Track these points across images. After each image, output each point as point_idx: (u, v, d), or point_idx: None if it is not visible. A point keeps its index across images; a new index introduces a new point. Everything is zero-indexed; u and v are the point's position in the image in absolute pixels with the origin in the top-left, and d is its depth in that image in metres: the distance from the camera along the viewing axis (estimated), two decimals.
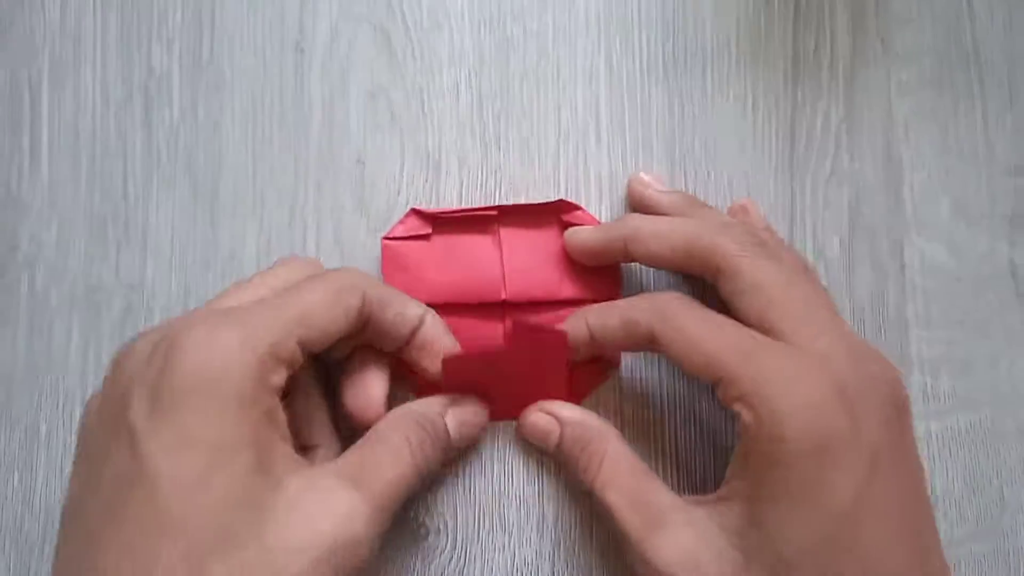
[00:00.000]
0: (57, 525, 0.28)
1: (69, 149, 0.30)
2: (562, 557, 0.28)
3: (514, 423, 0.29)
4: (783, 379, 0.22)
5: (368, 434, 0.24)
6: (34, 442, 0.29)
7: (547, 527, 0.28)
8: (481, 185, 0.30)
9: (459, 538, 0.28)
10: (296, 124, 0.30)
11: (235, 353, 0.21)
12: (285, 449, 0.22)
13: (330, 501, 0.21)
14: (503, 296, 0.29)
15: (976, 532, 0.28)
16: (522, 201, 0.30)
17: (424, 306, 0.26)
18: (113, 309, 0.30)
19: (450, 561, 0.28)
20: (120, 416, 0.21)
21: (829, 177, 0.30)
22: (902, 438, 0.23)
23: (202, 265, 0.30)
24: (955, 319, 0.30)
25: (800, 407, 0.21)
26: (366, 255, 0.30)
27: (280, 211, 0.30)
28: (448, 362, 0.25)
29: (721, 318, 0.24)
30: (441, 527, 0.28)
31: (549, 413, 0.27)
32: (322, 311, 0.23)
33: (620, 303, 0.26)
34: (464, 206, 0.30)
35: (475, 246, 0.29)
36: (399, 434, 0.24)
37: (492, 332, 0.29)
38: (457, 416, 0.26)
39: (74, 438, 0.29)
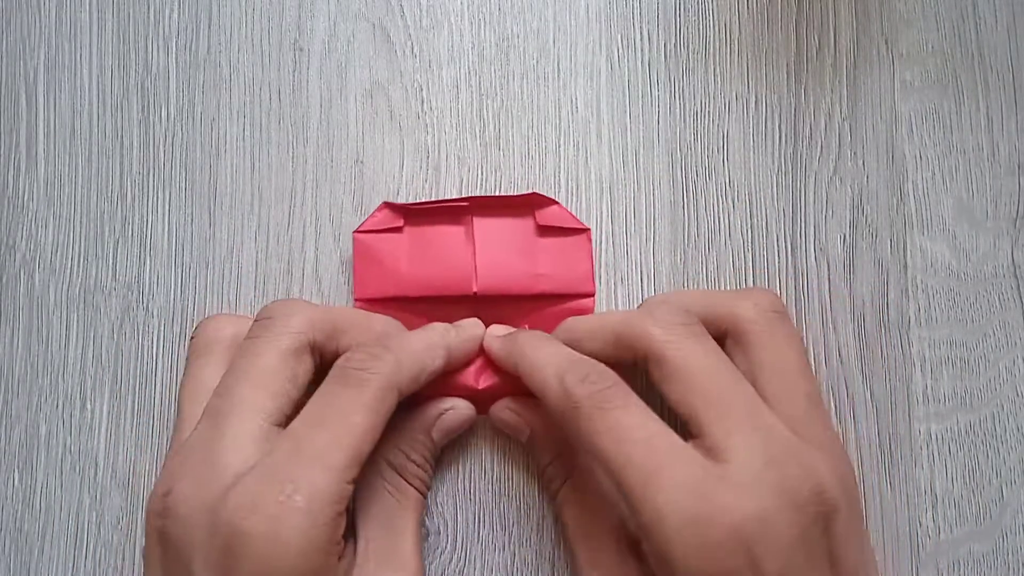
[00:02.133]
0: (56, 524, 0.29)
1: (66, 148, 0.30)
2: (562, 557, 0.28)
3: None
4: (679, 520, 0.21)
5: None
6: (33, 442, 0.29)
7: (547, 527, 0.28)
8: (481, 184, 0.30)
9: (459, 538, 0.28)
10: (294, 122, 0.30)
11: (303, 540, 0.21)
12: None
13: None
14: (474, 289, 0.28)
15: (976, 532, 0.28)
16: None
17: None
18: (111, 309, 0.30)
19: (450, 561, 0.28)
20: (182, 568, 0.21)
21: (832, 176, 0.30)
22: (822, 555, 0.22)
23: (200, 264, 0.30)
24: (957, 319, 0.29)
25: (693, 552, 0.21)
26: None
27: (278, 210, 0.30)
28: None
29: (634, 415, 0.22)
30: (441, 527, 0.28)
31: (518, 414, 0.27)
32: (370, 436, 0.23)
33: (541, 353, 0.25)
34: (437, 198, 0.29)
35: (448, 238, 0.29)
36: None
37: (465, 316, 0.29)
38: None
39: (73, 438, 0.29)
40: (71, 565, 0.28)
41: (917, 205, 0.30)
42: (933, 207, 0.30)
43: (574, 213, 0.29)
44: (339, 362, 0.24)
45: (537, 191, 0.29)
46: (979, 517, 0.29)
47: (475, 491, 0.29)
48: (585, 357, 0.24)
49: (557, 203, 0.29)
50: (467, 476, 0.29)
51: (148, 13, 0.31)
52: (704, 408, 0.23)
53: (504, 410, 0.28)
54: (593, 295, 0.29)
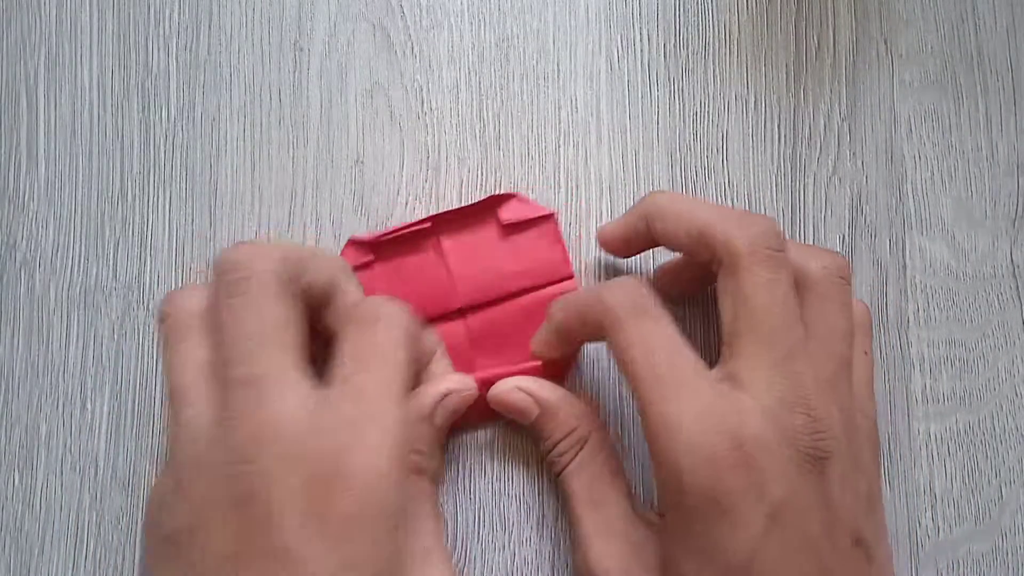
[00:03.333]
0: (56, 524, 0.28)
1: (66, 148, 0.30)
2: (562, 557, 0.28)
3: (506, 425, 0.29)
4: (687, 432, 0.22)
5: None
6: (34, 442, 0.29)
7: (547, 527, 0.28)
8: (481, 184, 0.30)
9: (459, 538, 0.28)
10: (295, 123, 0.30)
11: (393, 475, 0.21)
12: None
13: None
14: (458, 304, 0.29)
15: (975, 532, 0.28)
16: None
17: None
18: (112, 308, 0.30)
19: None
20: (261, 537, 0.20)
21: (831, 176, 0.30)
22: (818, 487, 0.22)
23: (201, 264, 0.30)
24: (956, 319, 0.30)
25: (698, 463, 0.22)
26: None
27: (279, 210, 0.30)
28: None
29: (662, 329, 0.23)
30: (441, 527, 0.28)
31: (527, 392, 0.27)
32: (412, 371, 0.24)
33: (589, 299, 0.26)
34: (401, 223, 0.29)
35: (420, 262, 0.29)
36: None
37: (455, 331, 0.29)
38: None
39: (73, 438, 0.29)
40: (71, 565, 0.28)
41: (916, 205, 0.30)
42: (932, 207, 0.30)
43: (558, 206, 0.30)
44: (352, 311, 0.24)
45: (499, 192, 0.29)
46: (978, 517, 0.29)
47: (475, 490, 0.29)
48: (616, 280, 0.26)
49: (515, 195, 0.29)
50: (467, 475, 0.29)
51: (148, 13, 0.31)
52: (747, 338, 0.23)
53: (512, 391, 0.27)
54: (572, 277, 0.29)
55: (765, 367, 0.23)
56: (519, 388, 0.27)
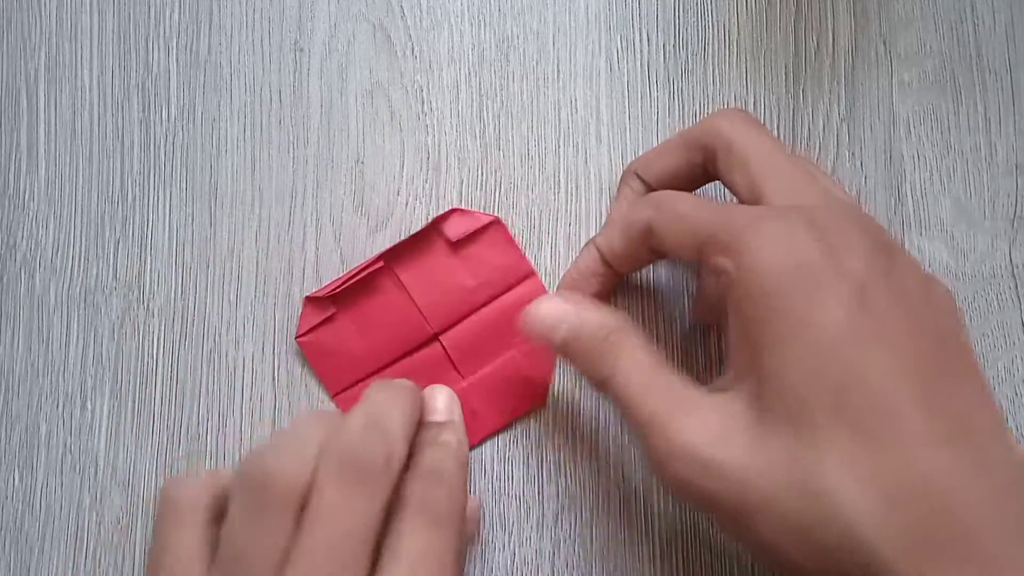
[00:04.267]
0: (56, 524, 0.29)
1: (66, 148, 0.30)
2: (562, 557, 0.28)
3: (509, 427, 0.29)
4: (757, 223, 0.22)
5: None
6: (34, 441, 0.29)
7: (547, 527, 0.28)
8: (481, 185, 0.30)
9: None
10: (295, 123, 0.30)
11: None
12: None
13: None
14: (430, 332, 0.29)
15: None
16: (522, 201, 0.30)
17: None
18: (112, 308, 0.30)
19: None
20: None
21: (830, 176, 0.30)
22: (893, 272, 0.21)
23: (201, 264, 0.30)
24: None
25: (773, 244, 0.21)
26: (365, 255, 0.29)
27: (279, 210, 0.30)
28: None
29: (709, 201, 0.24)
30: None
31: (568, 301, 0.25)
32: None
33: (617, 217, 0.27)
34: (350, 269, 0.29)
35: (383, 302, 0.29)
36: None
37: (434, 354, 0.29)
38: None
39: (73, 438, 0.29)
40: (71, 565, 0.28)
41: (915, 205, 0.30)
42: (931, 207, 0.30)
43: (533, 213, 0.30)
44: (413, 495, 0.22)
45: (456, 207, 0.29)
46: None
47: (475, 490, 0.29)
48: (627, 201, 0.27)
49: (455, 210, 0.29)
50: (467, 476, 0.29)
51: (149, 13, 0.31)
52: (768, 180, 0.24)
53: (546, 300, 0.25)
54: (533, 273, 0.29)
55: (802, 187, 0.24)
56: (558, 296, 0.26)
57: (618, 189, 0.29)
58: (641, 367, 0.24)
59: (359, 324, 0.29)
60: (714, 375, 0.29)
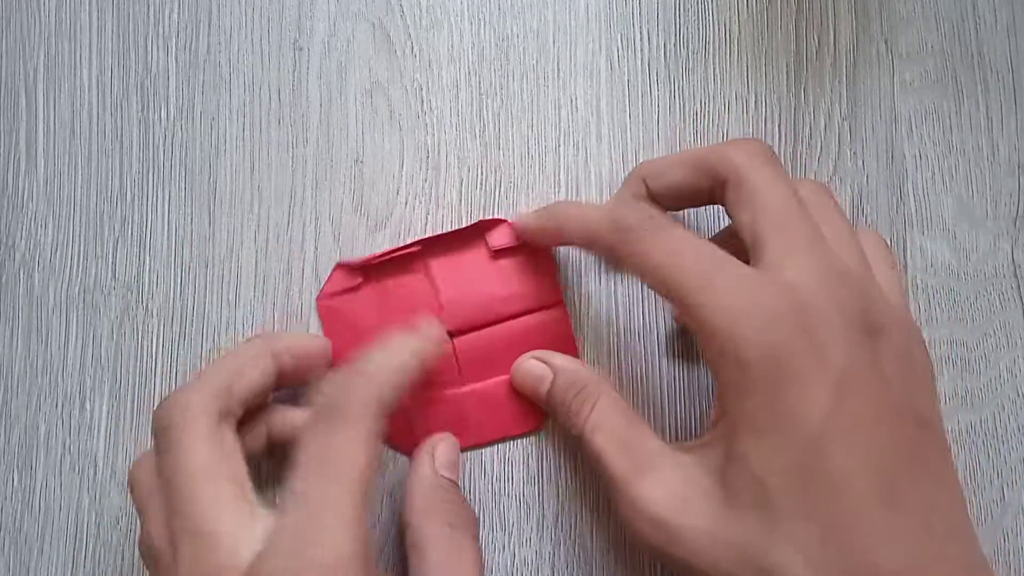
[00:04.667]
0: (56, 524, 0.28)
1: (66, 147, 0.30)
2: (562, 557, 0.28)
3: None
4: (740, 306, 0.22)
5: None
6: (33, 442, 0.29)
7: (547, 527, 0.28)
8: (481, 184, 0.30)
9: None
10: (294, 122, 0.30)
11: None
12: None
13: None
14: (446, 328, 0.29)
15: (978, 533, 0.28)
16: (522, 200, 0.30)
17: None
18: (111, 308, 0.30)
19: None
20: None
21: (831, 176, 0.30)
22: (874, 360, 0.22)
23: (200, 264, 0.30)
24: (957, 318, 0.29)
25: (757, 330, 0.21)
26: (364, 254, 0.29)
27: (278, 210, 0.30)
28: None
29: (681, 235, 0.24)
30: None
31: (543, 361, 0.28)
32: (374, 467, 0.23)
33: (585, 208, 0.26)
34: (392, 247, 0.29)
35: (408, 285, 0.29)
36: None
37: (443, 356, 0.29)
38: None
39: (72, 438, 0.29)
40: (71, 565, 0.28)
41: (917, 205, 0.30)
42: (933, 207, 0.30)
43: None
44: (317, 399, 0.23)
45: (488, 217, 0.29)
46: (980, 518, 0.28)
47: (475, 491, 0.28)
48: (627, 202, 0.26)
49: (504, 221, 0.29)
50: (467, 476, 0.29)
51: (148, 13, 0.31)
52: (771, 232, 0.23)
53: (527, 360, 0.28)
54: (561, 303, 0.29)
55: (800, 250, 0.22)
56: (534, 357, 0.28)
57: (621, 187, 0.28)
58: (610, 422, 0.25)
59: (380, 302, 0.29)
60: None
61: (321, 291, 0.29)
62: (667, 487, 0.23)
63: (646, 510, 0.23)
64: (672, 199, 0.26)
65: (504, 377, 0.29)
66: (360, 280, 0.29)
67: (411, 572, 0.24)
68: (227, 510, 0.22)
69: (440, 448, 0.27)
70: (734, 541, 0.21)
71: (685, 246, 0.23)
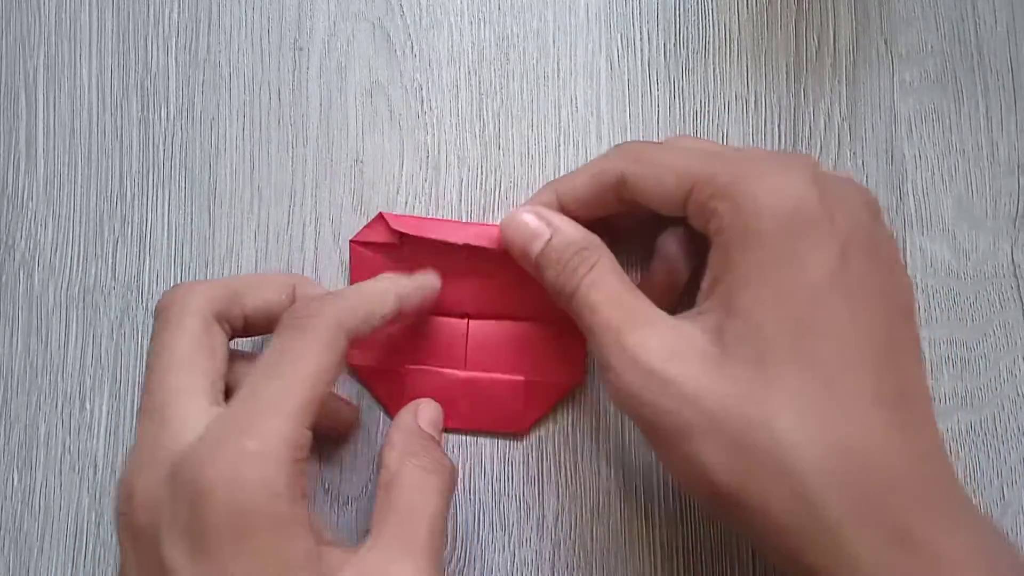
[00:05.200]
0: (56, 524, 0.28)
1: (65, 147, 0.30)
2: (562, 557, 0.28)
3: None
4: (757, 169, 0.23)
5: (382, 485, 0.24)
6: (33, 441, 0.29)
7: (547, 527, 0.28)
8: (481, 184, 0.30)
9: (459, 538, 0.28)
10: (294, 122, 0.30)
11: (263, 484, 0.20)
12: (327, 551, 0.22)
13: None
14: (465, 311, 0.28)
15: None
16: (522, 200, 0.30)
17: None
18: (111, 308, 0.30)
19: (450, 561, 0.28)
20: (153, 553, 0.21)
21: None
22: (876, 234, 0.23)
23: (200, 264, 0.30)
24: (957, 318, 0.29)
25: (774, 188, 0.22)
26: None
27: (278, 210, 0.30)
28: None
29: (692, 149, 0.25)
30: None
31: (542, 218, 0.26)
32: (323, 377, 0.22)
33: (587, 164, 0.27)
34: (437, 216, 0.29)
35: (440, 262, 0.28)
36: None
37: (455, 327, 0.28)
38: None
39: (72, 438, 0.29)
40: (71, 565, 0.28)
41: (917, 205, 0.30)
42: (933, 207, 0.30)
43: None
44: (285, 313, 0.23)
45: None
46: None
47: (475, 491, 0.28)
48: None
49: None
50: (467, 476, 0.29)
51: (148, 13, 0.31)
52: (690, 162, 0.24)
53: (522, 214, 0.26)
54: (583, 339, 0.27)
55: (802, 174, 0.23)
56: (533, 212, 0.26)
57: (533, 197, 0.28)
58: (608, 281, 0.24)
59: (410, 264, 0.28)
60: None
61: (359, 234, 0.29)
62: (661, 339, 0.23)
63: (638, 358, 0.22)
64: (580, 210, 0.27)
65: (505, 377, 0.28)
66: (397, 241, 0.28)
67: (375, 513, 0.23)
68: (186, 398, 0.22)
69: (424, 407, 0.26)
70: (726, 391, 0.21)
71: (694, 147, 0.25)
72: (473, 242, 0.27)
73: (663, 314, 0.24)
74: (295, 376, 0.22)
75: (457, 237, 0.28)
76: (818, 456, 0.20)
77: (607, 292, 0.24)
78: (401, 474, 0.24)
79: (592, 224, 0.26)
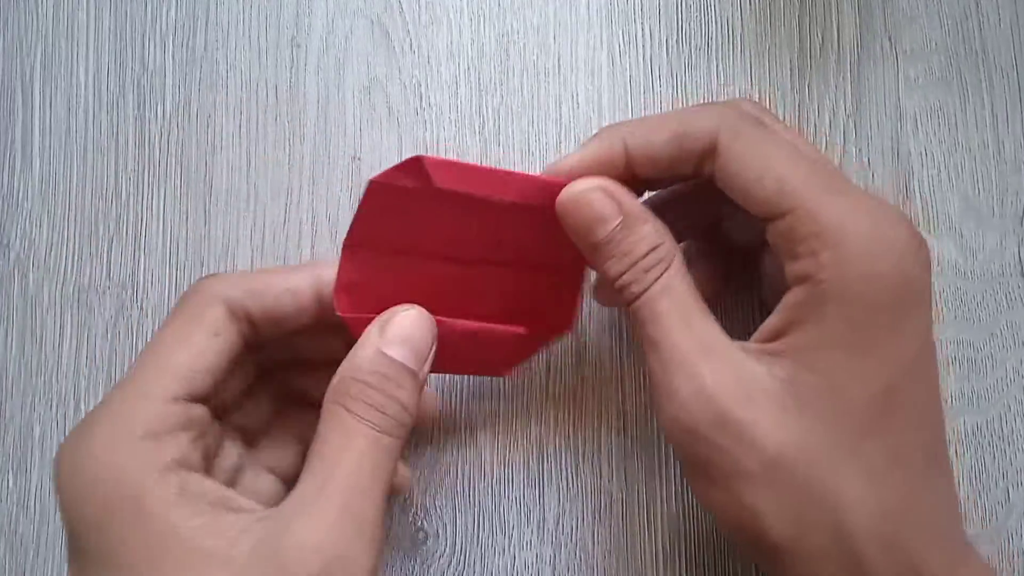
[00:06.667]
0: (51, 526, 0.28)
1: (61, 146, 0.30)
2: (563, 560, 0.28)
3: (506, 427, 0.28)
4: (869, 218, 0.21)
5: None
6: (28, 443, 0.29)
7: (547, 530, 0.28)
8: None
9: (458, 542, 0.28)
10: (291, 119, 0.30)
11: (110, 468, 0.20)
12: (225, 519, 0.20)
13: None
14: (474, 255, 0.25)
15: (981, 534, 0.28)
16: None
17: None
18: (105, 308, 0.29)
19: (449, 565, 0.28)
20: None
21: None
22: (924, 278, 0.22)
23: (195, 263, 0.29)
24: (964, 318, 0.29)
25: (889, 249, 0.21)
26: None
27: (275, 207, 0.30)
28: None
29: (791, 139, 0.23)
30: (440, 531, 0.28)
31: (611, 196, 0.22)
32: (189, 348, 0.21)
33: (668, 116, 0.23)
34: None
35: (463, 214, 0.24)
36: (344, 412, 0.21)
37: (452, 277, 0.25)
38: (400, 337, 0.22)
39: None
40: (67, 566, 0.28)
41: (923, 203, 0.30)
42: (939, 205, 0.30)
43: None
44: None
45: None
46: (985, 519, 0.28)
47: (475, 494, 0.28)
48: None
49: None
50: (466, 479, 0.28)
51: (145, 10, 0.31)
52: (806, 188, 0.21)
53: (592, 190, 0.22)
54: (581, 273, 0.26)
55: (847, 193, 0.22)
56: (602, 189, 0.22)
57: (589, 140, 0.24)
58: (679, 291, 0.22)
59: (430, 214, 0.24)
60: None
61: (380, 173, 0.23)
62: (736, 377, 0.21)
63: (711, 395, 0.21)
64: (652, 173, 0.23)
65: (500, 327, 0.26)
66: (422, 186, 0.23)
67: (304, 471, 0.21)
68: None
69: (396, 320, 0.22)
70: (798, 447, 0.20)
71: (796, 146, 0.22)
72: (519, 200, 0.24)
73: (729, 341, 0.22)
74: (158, 352, 0.21)
75: (503, 193, 0.23)
76: (877, 523, 0.20)
77: (677, 305, 0.22)
78: (325, 421, 0.21)
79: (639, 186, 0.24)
